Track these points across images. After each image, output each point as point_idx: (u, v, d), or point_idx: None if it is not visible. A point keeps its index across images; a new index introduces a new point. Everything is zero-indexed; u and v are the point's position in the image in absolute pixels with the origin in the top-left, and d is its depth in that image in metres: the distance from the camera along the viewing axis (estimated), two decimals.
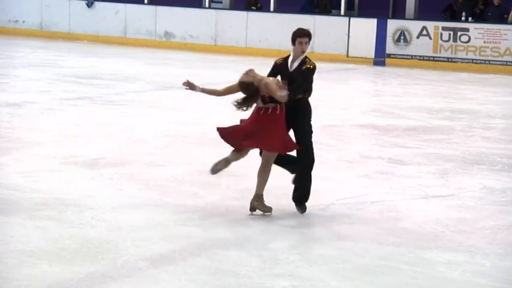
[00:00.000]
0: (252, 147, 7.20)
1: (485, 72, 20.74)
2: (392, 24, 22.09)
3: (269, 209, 7.16)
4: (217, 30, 24.10)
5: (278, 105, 7.03)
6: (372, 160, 9.90)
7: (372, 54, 22.19)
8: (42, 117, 11.94)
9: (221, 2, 25.63)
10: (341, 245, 6.54)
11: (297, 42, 7.19)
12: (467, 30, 21.29)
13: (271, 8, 24.17)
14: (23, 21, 26.71)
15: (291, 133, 7.20)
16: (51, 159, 9.12)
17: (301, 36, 7.20)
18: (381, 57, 22.06)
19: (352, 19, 22.68)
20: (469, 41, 21.25)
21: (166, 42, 24.63)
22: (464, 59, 21.35)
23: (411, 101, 15.49)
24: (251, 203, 7.13)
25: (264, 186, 7.13)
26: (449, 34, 21.44)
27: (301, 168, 7.24)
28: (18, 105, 12.81)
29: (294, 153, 7.25)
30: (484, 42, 21.13)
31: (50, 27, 26.36)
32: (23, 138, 10.25)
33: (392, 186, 8.63)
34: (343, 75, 20.14)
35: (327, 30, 22.68)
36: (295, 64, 7.19)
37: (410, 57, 21.84)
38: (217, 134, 7.30)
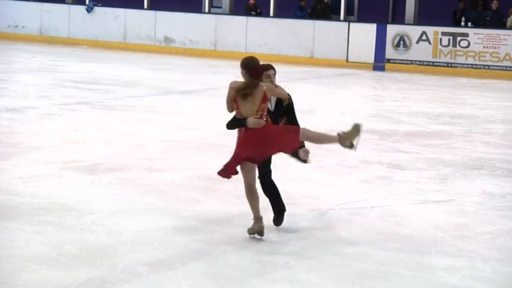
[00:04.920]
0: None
1: (485, 77, 20.75)
2: (392, 29, 22.11)
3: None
4: (217, 35, 24.12)
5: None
6: (371, 165, 9.90)
7: (371, 59, 22.21)
8: (42, 122, 11.94)
9: (221, 7, 25.67)
10: (341, 250, 6.54)
11: (264, 77, 6.64)
12: (466, 35, 21.31)
13: (271, 13, 24.19)
14: (23, 26, 26.73)
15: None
16: (51, 164, 9.12)
17: (268, 69, 6.71)
18: (380, 62, 22.07)
19: (351, 24, 22.70)
20: (468, 46, 21.27)
21: (166, 47, 24.65)
22: (463, 64, 21.36)
23: (411, 106, 15.49)
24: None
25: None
26: (449, 39, 21.46)
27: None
28: (17, 110, 12.81)
29: None
30: (484, 47, 21.15)
31: (50, 32, 26.39)
32: (22, 143, 10.25)
33: (392, 191, 8.63)
34: (343, 80, 20.15)
35: (326, 35, 22.70)
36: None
37: (409, 62, 21.86)
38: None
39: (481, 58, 21.17)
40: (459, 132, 12.55)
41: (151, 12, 25.27)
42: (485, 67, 21.13)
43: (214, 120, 12.43)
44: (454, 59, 21.44)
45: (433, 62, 21.66)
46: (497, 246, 6.82)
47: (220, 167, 6.65)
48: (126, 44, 25.24)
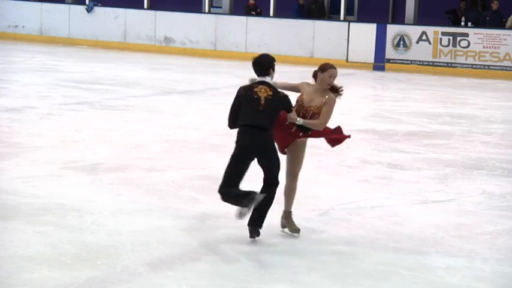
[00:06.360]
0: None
1: (485, 77, 20.75)
2: (392, 29, 22.11)
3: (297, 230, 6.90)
4: (216, 35, 24.12)
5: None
6: (371, 165, 9.90)
7: (371, 59, 22.21)
8: (42, 122, 11.94)
9: (221, 7, 25.66)
10: (341, 250, 6.54)
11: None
12: (466, 35, 21.31)
13: (271, 13, 24.19)
14: (23, 26, 26.73)
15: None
16: (51, 164, 9.12)
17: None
18: (380, 62, 22.07)
19: (351, 24, 22.70)
20: (468, 46, 21.27)
21: (166, 47, 24.65)
22: (463, 64, 21.36)
23: (411, 106, 15.49)
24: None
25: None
26: (449, 39, 21.46)
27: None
28: (17, 110, 12.81)
29: None
30: (484, 47, 21.14)
31: (50, 32, 26.38)
32: (22, 143, 10.25)
33: (392, 191, 8.63)
34: (343, 81, 19.95)
35: (326, 35, 22.70)
36: None
37: (409, 62, 21.86)
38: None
39: (481, 58, 21.17)
40: (459, 132, 12.55)
41: (151, 12, 25.26)
42: (485, 67, 21.13)
43: (214, 120, 12.43)
44: (454, 59, 21.44)
45: (433, 62, 21.66)
46: (497, 246, 6.82)
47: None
48: (126, 44, 25.24)
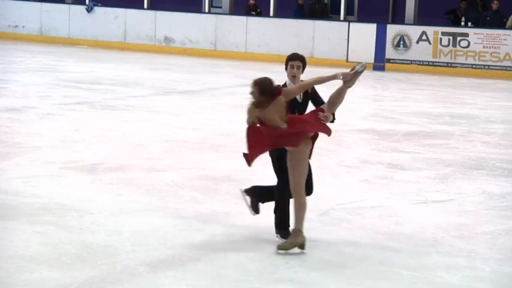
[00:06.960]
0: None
1: (485, 77, 20.75)
2: (392, 29, 22.11)
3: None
4: (216, 35, 24.12)
5: None
6: (371, 165, 9.90)
7: (371, 59, 22.20)
8: (42, 122, 11.94)
9: (221, 7, 25.67)
10: (341, 250, 6.54)
11: (288, 66, 6.74)
12: (466, 35, 21.31)
13: (271, 13, 24.20)
14: (23, 26, 26.73)
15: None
16: (51, 164, 9.12)
17: (293, 59, 6.72)
18: (380, 62, 22.07)
19: (351, 24, 22.71)
20: (468, 46, 21.27)
21: (166, 47, 24.65)
22: (463, 64, 21.36)
23: (411, 106, 15.49)
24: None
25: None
26: (449, 39, 21.46)
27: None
28: (17, 110, 12.81)
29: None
30: (484, 47, 21.14)
31: (50, 32, 26.39)
32: (22, 143, 10.25)
33: (392, 191, 8.63)
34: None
35: (326, 35, 22.70)
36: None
37: (409, 62, 21.86)
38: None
39: (481, 58, 21.17)
40: (459, 132, 12.55)
41: (151, 12, 25.27)
42: (485, 67, 21.13)
43: (214, 120, 12.43)
44: (454, 59, 21.44)
45: (433, 62, 21.66)
46: (497, 246, 6.82)
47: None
48: (126, 44, 25.24)
